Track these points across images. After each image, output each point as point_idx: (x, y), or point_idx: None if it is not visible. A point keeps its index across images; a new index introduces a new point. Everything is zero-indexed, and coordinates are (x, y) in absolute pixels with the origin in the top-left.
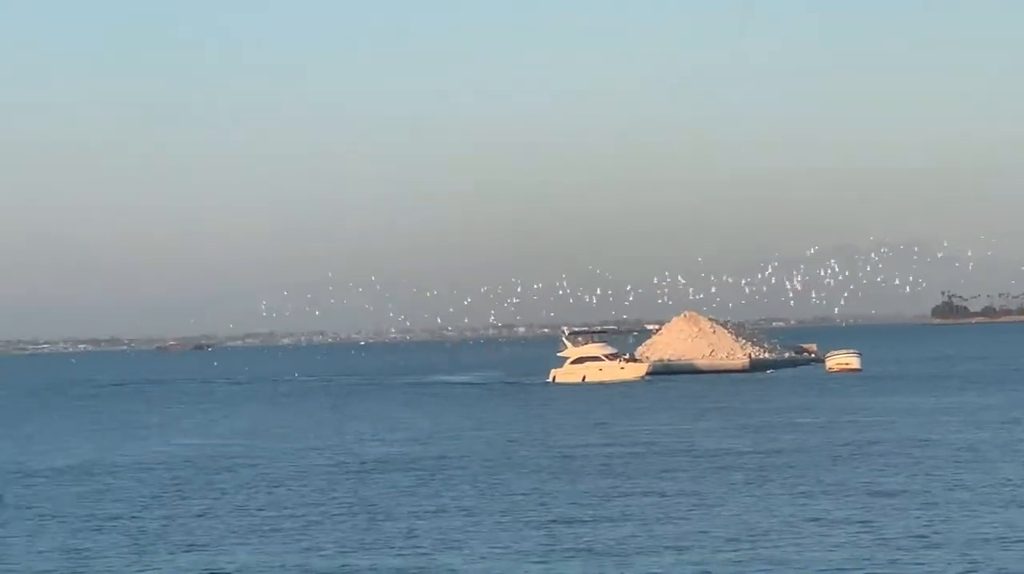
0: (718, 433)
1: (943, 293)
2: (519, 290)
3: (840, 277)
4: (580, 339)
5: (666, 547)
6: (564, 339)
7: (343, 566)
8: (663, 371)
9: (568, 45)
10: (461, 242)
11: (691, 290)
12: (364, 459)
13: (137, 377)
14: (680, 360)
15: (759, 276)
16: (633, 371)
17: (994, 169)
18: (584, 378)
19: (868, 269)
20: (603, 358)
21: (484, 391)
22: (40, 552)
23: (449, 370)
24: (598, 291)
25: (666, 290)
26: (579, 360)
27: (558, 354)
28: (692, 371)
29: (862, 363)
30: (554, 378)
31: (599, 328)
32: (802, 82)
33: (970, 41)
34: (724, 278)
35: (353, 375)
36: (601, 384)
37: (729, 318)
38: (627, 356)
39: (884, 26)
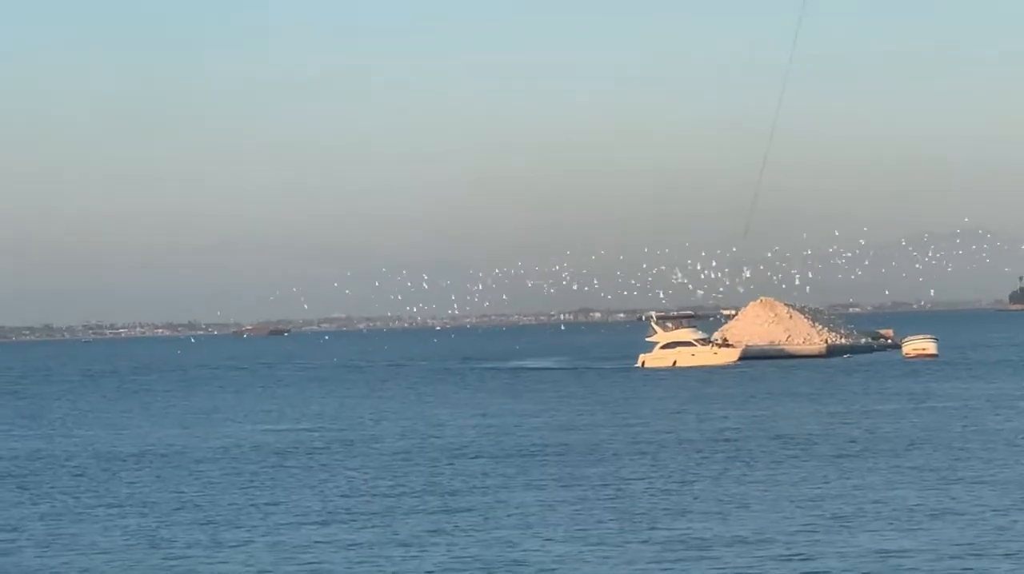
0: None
1: (1021, 278)
2: (586, 273)
3: (917, 263)
4: (669, 324)
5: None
6: (652, 324)
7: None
8: (752, 356)
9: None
10: (534, 227)
11: (769, 275)
12: (492, 446)
13: (245, 361)
14: (757, 345)
15: (836, 262)
16: (726, 356)
17: None
18: (675, 363)
19: (945, 255)
20: (695, 343)
21: (571, 376)
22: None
23: (542, 354)
24: (678, 274)
25: (739, 277)
26: (669, 345)
27: (646, 339)
28: (777, 356)
29: (939, 349)
30: (643, 363)
31: (685, 312)
32: (878, 66)
33: None
34: (801, 263)
35: (460, 359)
36: (693, 369)
37: (806, 303)
38: (719, 341)
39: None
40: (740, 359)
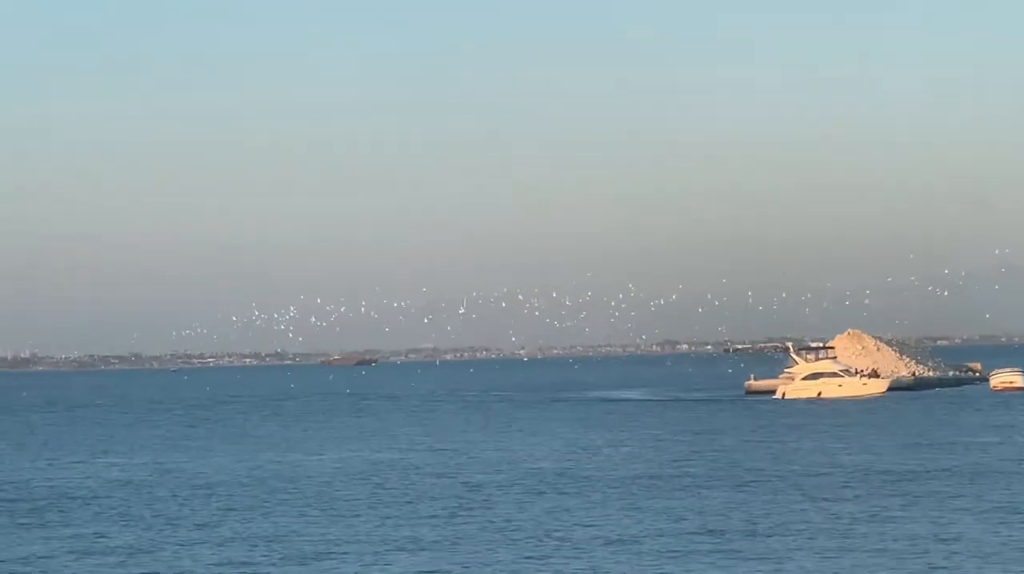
0: None
1: None
2: (674, 301)
3: (1006, 295)
4: (809, 356)
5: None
6: (793, 355)
7: None
8: (899, 387)
9: None
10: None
11: (855, 305)
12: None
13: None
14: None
15: (924, 291)
16: (876, 387)
17: None
18: (820, 394)
19: None
20: (840, 374)
21: (714, 408)
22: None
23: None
24: (774, 303)
25: (827, 306)
26: (812, 375)
27: (786, 370)
28: (920, 387)
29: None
30: (783, 394)
31: (821, 343)
32: (944, 88)
33: None
34: (895, 295)
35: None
36: (840, 400)
37: (894, 335)
38: (868, 371)
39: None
40: (888, 390)
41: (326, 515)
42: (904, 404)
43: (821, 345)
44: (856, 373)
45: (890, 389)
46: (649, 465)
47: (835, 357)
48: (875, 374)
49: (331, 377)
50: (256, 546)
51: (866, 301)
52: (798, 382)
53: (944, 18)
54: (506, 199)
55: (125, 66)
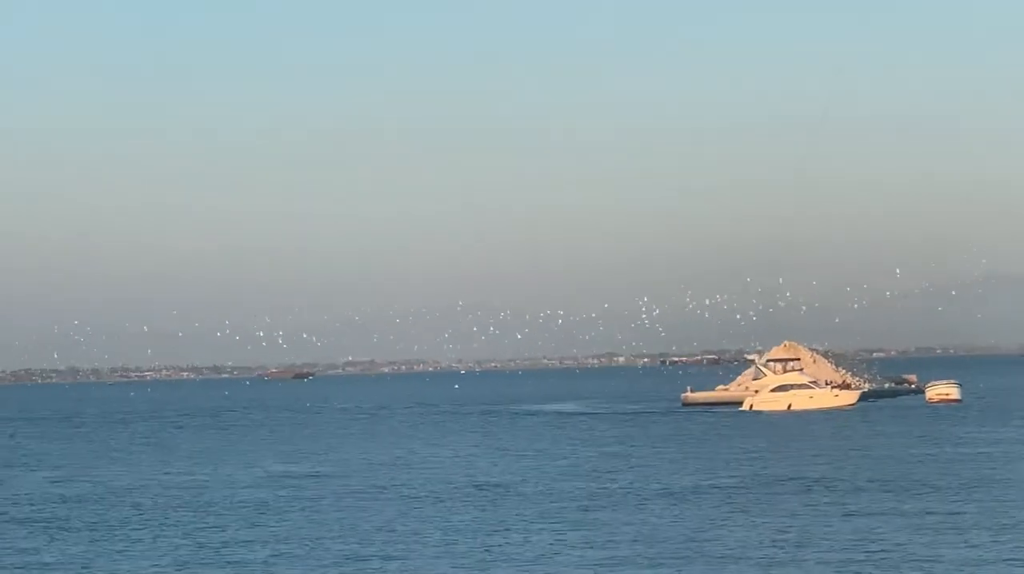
0: None
1: None
2: (599, 317)
3: (940, 307)
4: (777, 367)
5: None
6: (760, 366)
7: None
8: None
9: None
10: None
11: (792, 319)
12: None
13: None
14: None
15: (860, 306)
16: (847, 398)
17: None
18: (790, 406)
19: (970, 300)
20: (811, 385)
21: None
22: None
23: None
24: (706, 316)
25: (756, 318)
26: (782, 387)
27: (753, 380)
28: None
29: (962, 394)
30: (751, 406)
31: (790, 355)
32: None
33: None
34: (831, 307)
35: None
36: (812, 411)
37: (830, 347)
38: (837, 383)
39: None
40: (858, 401)
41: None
42: (874, 416)
43: (786, 357)
44: (826, 384)
45: (862, 398)
46: (575, 478)
47: (802, 369)
48: (846, 386)
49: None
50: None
51: (802, 310)
52: (766, 394)
53: (916, 27)
54: (444, 213)
55: None
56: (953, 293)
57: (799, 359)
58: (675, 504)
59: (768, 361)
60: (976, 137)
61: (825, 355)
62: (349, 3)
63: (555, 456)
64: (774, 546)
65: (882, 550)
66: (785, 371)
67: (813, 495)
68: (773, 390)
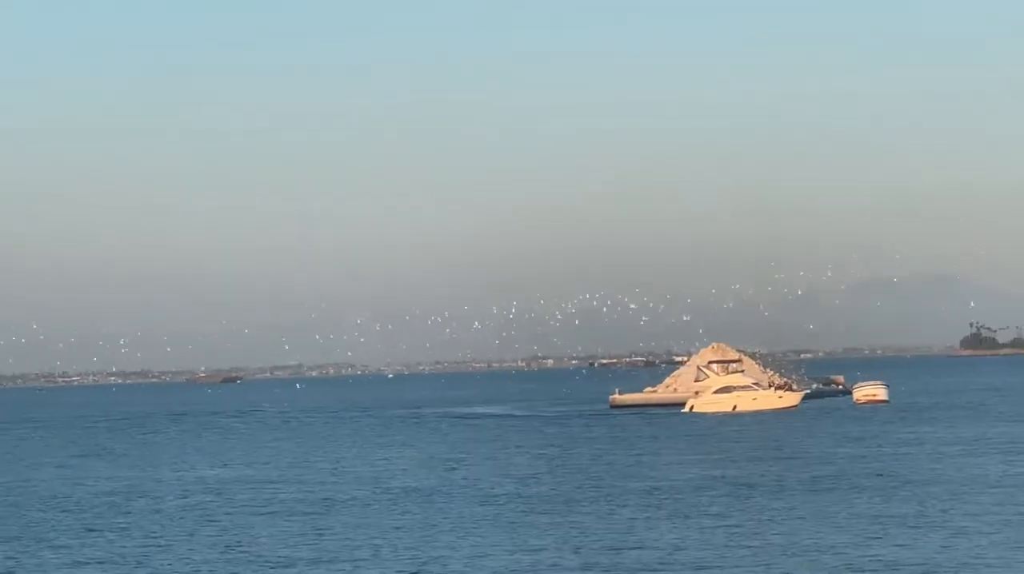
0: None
1: (971, 324)
2: (527, 320)
3: (868, 308)
4: (716, 368)
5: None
6: (703, 368)
7: None
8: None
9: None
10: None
11: (720, 320)
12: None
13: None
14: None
15: (788, 306)
16: (791, 399)
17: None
18: (735, 407)
19: (898, 301)
20: (755, 387)
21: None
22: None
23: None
24: (635, 317)
25: (691, 319)
26: (725, 389)
27: (696, 382)
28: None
29: (889, 394)
30: (691, 408)
31: (732, 357)
32: (834, 113)
33: (996, 79)
34: (758, 307)
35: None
36: (757, 413)
37: (757, 348)
38: (780, 384)
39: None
40: (802, 402)
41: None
42: (811, 417)
43: (726, 358)
44: (769, 386)
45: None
46: (500, 482)
47: (744, 370)
48: (789, 387)
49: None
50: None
51: (727, 305)
52: (709, 396)
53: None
54: (367, 214)
55: None
56: (880, 294)
57: (740, 361)
58: (606, 507)
59: (710, 362)
60: (900, 141)
61: (753, 356)
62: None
63: (482, 459)
64: (704, 549)
65: (814, 551)
66: (728, 373)
67: (743, 496)
68: (716, 392)
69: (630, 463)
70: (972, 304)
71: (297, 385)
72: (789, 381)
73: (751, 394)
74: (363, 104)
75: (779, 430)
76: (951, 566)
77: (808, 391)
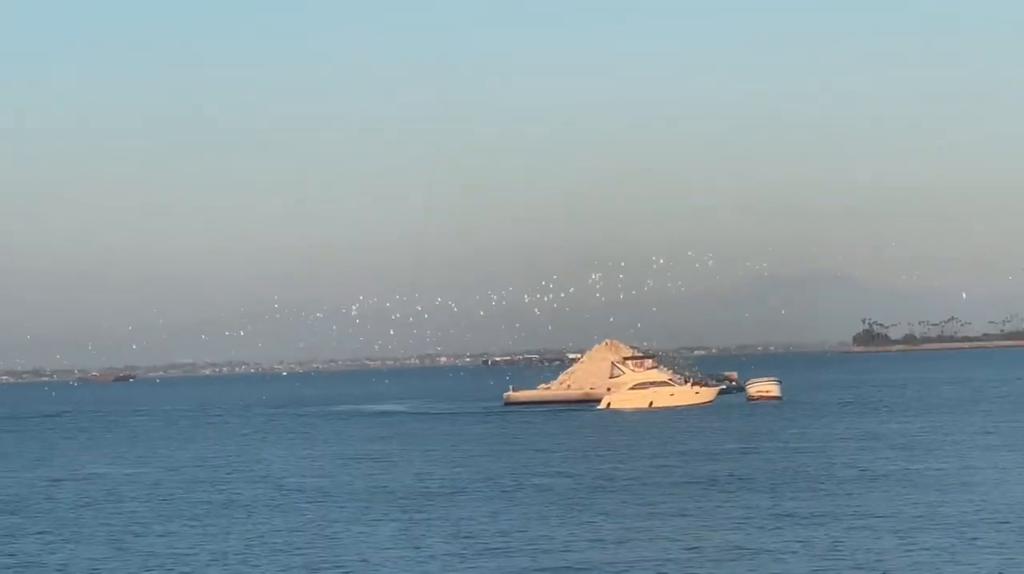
0: None
1: (864, 321)
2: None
3: (762, 305)
4: (631, 365)
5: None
6: (619, 365)
7: None
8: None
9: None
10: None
11: (611, 318)
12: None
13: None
14: (600, 389)
15: (683, 303)
16: (706, 395)
17: (918, 202)
18: (651, 403)
19: (791, 298)
20: (672, 383)
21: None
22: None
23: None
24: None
25: (587, 316)
26: (642, 385)
27: (611, 378)
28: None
29: (782, 391)
30: (608, 404)
31: (645, 353)
32: (733, 116)
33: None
34: (651, 305)
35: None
36: (673, 409)
37: (651, 345)
38: (697, 380)
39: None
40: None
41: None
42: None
43: (638, 355)
44: (685, 381)
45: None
46: (394, 478)
47: (657, 366)
48: (704, 382)
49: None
50: None
51: (635, 316)
52: (624, 392)
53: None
54: (264, 212)
55: None
56: (773, 292)
57: (655, 357)
58: (497, 503)
59: (625, 359)
60: (798, 140)
61: (646, 353)
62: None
63: (375, 456)
64: (593, 547)
65: (709, 547)
66: (644, 368)
67: (636, 493)
68: (632, 388)
69: (523, 460)
70: (864, 301)
71: (192, 384)
72: (690, 376)
73: (668, 390)
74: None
75: (676, 427)
76: (840, 559)
77: (723, 387)
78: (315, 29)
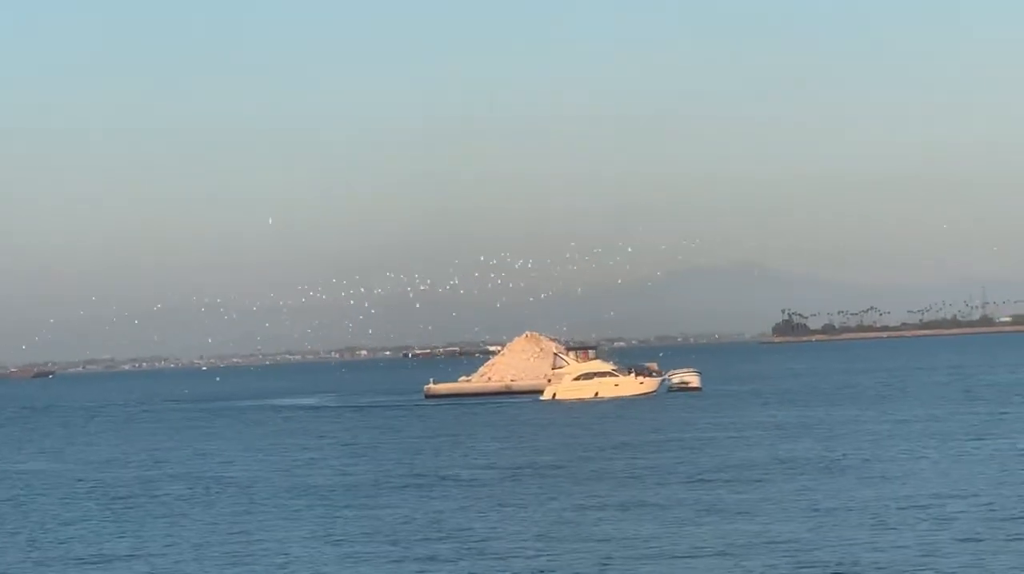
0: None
1: (783, 311)
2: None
3: (682, 296)
4: (573, 355)
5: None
6: (563, 356)
7: None
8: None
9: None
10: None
11: (530, 310)
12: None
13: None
14: (521, 381)
15: (600, 294)
16: (650, 385)
17: (835, 192)
18: (597, 394)
19: (711, 288)
20: (616, 373)
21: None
22: None
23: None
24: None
25: (500, 308)
26: (586, 375)
27: (555, 370)
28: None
29: (702, 382)
30: (554, 395)
31: (587, 343)
32: (653, 104)
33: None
34: (569, 296)
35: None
36: (618, 399)
37: (571, 337)
38: (641, 370)
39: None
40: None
41: None
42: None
43: (592, 345)
44: (629, 371)
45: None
46: (317, 473)
47: (598, 357)
48: (649, 372)
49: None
50: None
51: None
52: (569, 382)
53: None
54: (179, 201)
55: None
56: (693, 282)
57: (596, 348)
58: (419, 496)
59: (568, 349)
60: (709, 131)
61: (566, 345)
62: None
63: (296, 450)
64: (514, 539)
65: (623, 540)
66: (588, 359)
67: (552, 484)
68: (576, 379)
69: (446, 452)
70: (784, 291)
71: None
72: (650, 368)
73: (613, 380)
74: None
75: (604, 418)
76: (744, 545)
77: (665, 377)
78: None
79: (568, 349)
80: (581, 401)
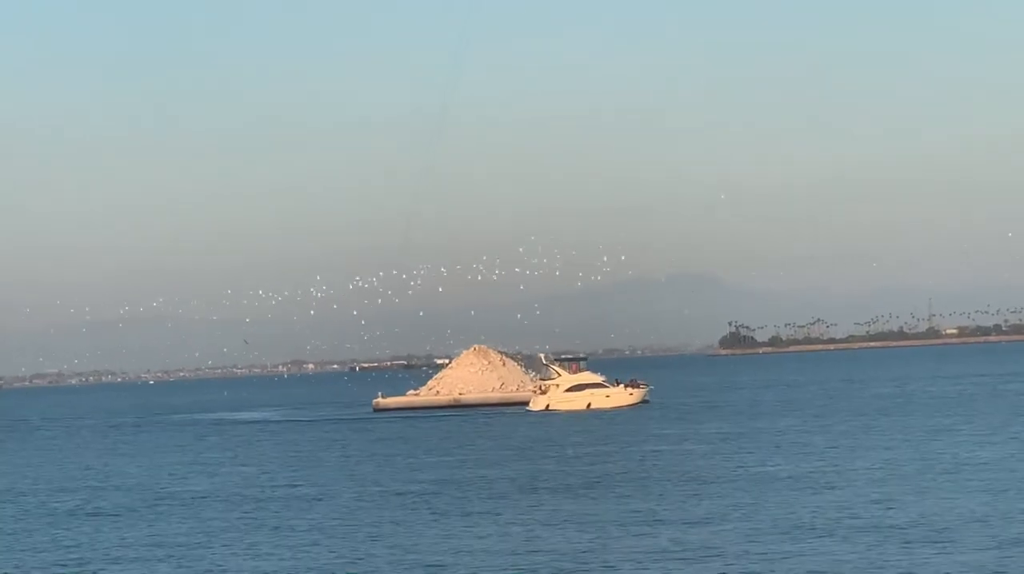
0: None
1: (730, 323)
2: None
3: (628, 308)
4: (558, 367)
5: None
6: (553, 367)
7: None
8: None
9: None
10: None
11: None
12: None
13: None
14: (470, 394)
15: (546, 306)
16: (639, 395)
17: (782, 203)
18: (589, 405)
19: (656, 300)
20: (607, 385)
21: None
22: None
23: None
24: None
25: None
26: (577, 387)
27: (544, 381)
28: (484, 405)
29: (649, 395)
30: (547, 406)
31: (576, 355)
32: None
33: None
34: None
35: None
36: (611, 410)
37: (519, 350)
38: (628, 381)
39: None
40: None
41: None
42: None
43: (582, 356)
44: (618, 383)
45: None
46: (262, 487)
47: (588, 368)
48: (636, 384)
49: None
50: None
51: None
52: (561, 394)
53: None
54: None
55: None
56: (639, 294)
57: (585, 359)
58: (367, 509)
59: (557, 361)
60: (663, 141)
61: (514, 358)
62: None
63: (243, 464)
64: (456, 551)
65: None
66: (578, 370)
67: (502, 497)
68: (568, 390)
69: (395, 466)
70: (730, 304)
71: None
72: (635, 380)
73: (603, 391)
74: None
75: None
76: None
77: (650, 388)
78: None
79: (557, 360)
80: (572, 412)
